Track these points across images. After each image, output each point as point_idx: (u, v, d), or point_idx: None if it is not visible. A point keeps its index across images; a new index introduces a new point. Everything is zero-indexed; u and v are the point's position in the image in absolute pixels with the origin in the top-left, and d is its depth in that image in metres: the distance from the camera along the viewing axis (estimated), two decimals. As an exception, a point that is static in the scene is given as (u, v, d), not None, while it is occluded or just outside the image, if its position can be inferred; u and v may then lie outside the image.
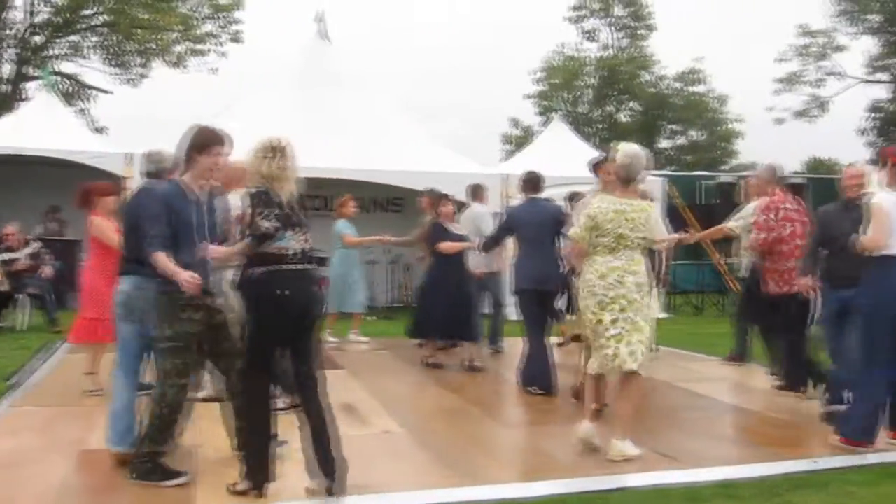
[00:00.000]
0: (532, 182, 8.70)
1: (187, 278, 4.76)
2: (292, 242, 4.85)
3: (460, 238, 9.60)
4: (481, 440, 6.46)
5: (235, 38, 31.88)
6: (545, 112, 39.14)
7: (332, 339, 11.54)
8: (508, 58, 64.52)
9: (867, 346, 6.04)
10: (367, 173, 14.09)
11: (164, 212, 4.94)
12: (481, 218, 10.64)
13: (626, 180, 6.12)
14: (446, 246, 9.42)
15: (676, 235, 7.61)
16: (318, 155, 13.62)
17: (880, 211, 5.97)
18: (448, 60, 70.94)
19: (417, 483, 5.24)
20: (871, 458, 5.79)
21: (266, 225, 4.74)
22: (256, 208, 4.78)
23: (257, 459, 4.84)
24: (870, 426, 6.00)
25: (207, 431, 6.06)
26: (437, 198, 10.83)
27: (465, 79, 70.25)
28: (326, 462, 4.85)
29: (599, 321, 5.92)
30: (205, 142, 5.11)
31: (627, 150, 6.18)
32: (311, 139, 13.75)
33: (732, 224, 8.98)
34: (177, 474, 5.04)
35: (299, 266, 4.87)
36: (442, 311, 9.36)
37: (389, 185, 14.97)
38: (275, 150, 4.87)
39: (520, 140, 39.44)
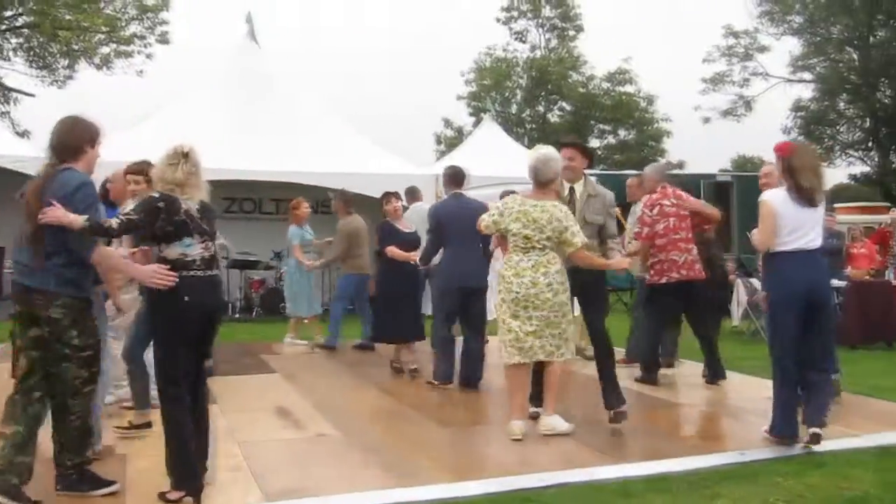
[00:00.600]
0: (455, 176, 8.73)
1: (153, 273, 4.73)
2: (192, 249, 4.80)
3: (411, 237, 9.41)
4: (417, 441, 6.46)
5: (163, 40, 31.44)
6: (477, 113, 39.37)
7: (299, 342, 11.47)
8: (443, 58, 64.67)
9: (774, 342, 6.22)
10: (299, 175, 14.00)
11: (96, 202, 4.85)
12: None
13: (536, 182, 6.31)
14: (393, 252, 9.21)
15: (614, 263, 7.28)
16: (249, 157, 13.54)
17: (766, 210, 6.07)
18: (381, 60, 70.88)
19: (352, 485, 5.21)
20: (798, 449, 5.94)
21: (115, 223, 4.67)
22: (145, 215, 4.72)
23: (186, 467, 4.79)
24: (788, 419, 6.10)
25: (137, 439, 5.98)
26: (348, 200, 10.88)
27: (398, 78, 70.28)
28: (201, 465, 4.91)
29: (515, 316, 6.25)
30: (97, 133, 5.02)
31: (538, 152, 6.44)
32: (241, 142, 13.69)
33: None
34: (107, 483, 4.95)
35: (200, 273, 4.83)
36: (401, 313, 9.24)
37: (321, 186, 14.88)
38: (182, 157, 4.86)
39: (452, 140, 39.61)
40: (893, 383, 8.40)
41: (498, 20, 42.84)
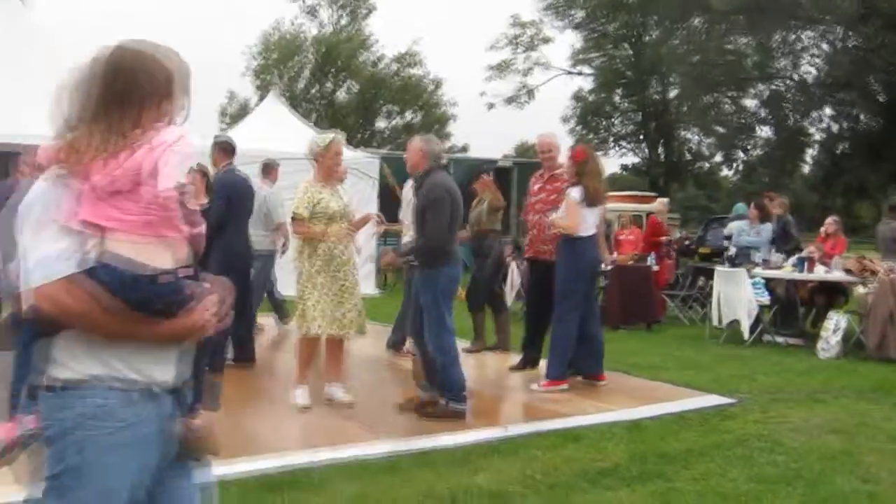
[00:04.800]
0: (233, 148, 8.44)
1: None
2: None
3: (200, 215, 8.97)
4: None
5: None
6: (264, 87, 38.73)
7: None
8: (232, 30, 63.10)
9: (564, 303, 7.38)
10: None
11: None
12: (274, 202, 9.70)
13: None
14: None
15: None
16: (23, 124, 12.66)
17: (573, 203, 7.31)
18: (166, 29, 68.27)
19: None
20: (556, 424, 6.23)
21: None
22: None
23: None
24: (564, 365, 7.40)
25: None
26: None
27: (183, 46, 67.95)
28: None
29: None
30: None
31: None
32: (14, 108, 12.76)
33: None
34: None
35: None
36: None
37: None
38: None
39: (237, 115, 38.78)
40: (648, 361, 8.96)
41: (289, -7, 42.33)
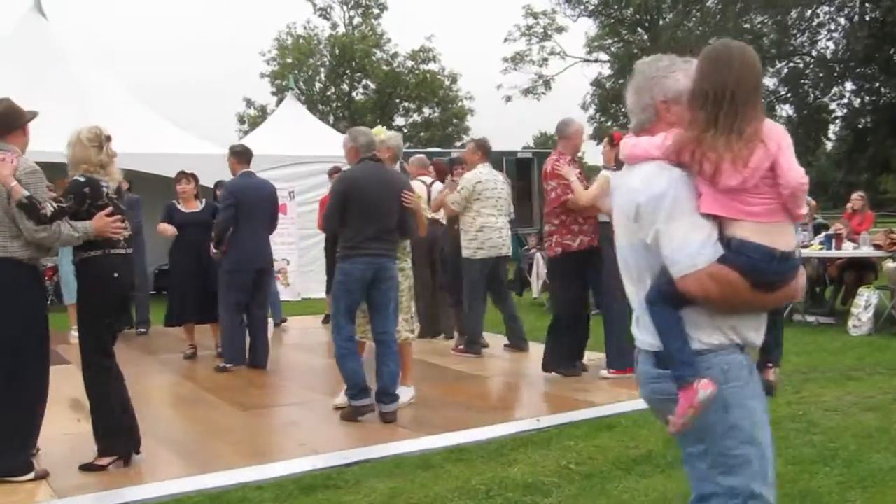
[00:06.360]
0: (244, 154, 8.57)
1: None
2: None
3: (192, 217, 8.94)
4: (218, 426, 6.33)
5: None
6: (280, 91, 38.83)
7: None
8: (246, 35, 63.33)
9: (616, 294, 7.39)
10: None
11: None
12: None
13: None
14: (162, 227, 8.90)
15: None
16: (40, 137, 12.75)
17: (605, 181, 6.88)
18: (182, 36, 68.69)
19: (148, 477, 5.08)
20: (587, 413, 6.21)
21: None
22: (74, 202, 4.91)
23: (117, 432, 5.09)
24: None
25: None
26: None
27: (199, 57, 68.42)
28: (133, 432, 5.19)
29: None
30: None
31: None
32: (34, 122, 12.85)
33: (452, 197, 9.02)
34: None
35: (123, 251, 5.10)
36: (193, 293, 8.88)
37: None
38: (105, 139, 5.08)
39: (255, 120, 38.91)
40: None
41: (302, -6, 42.40)
